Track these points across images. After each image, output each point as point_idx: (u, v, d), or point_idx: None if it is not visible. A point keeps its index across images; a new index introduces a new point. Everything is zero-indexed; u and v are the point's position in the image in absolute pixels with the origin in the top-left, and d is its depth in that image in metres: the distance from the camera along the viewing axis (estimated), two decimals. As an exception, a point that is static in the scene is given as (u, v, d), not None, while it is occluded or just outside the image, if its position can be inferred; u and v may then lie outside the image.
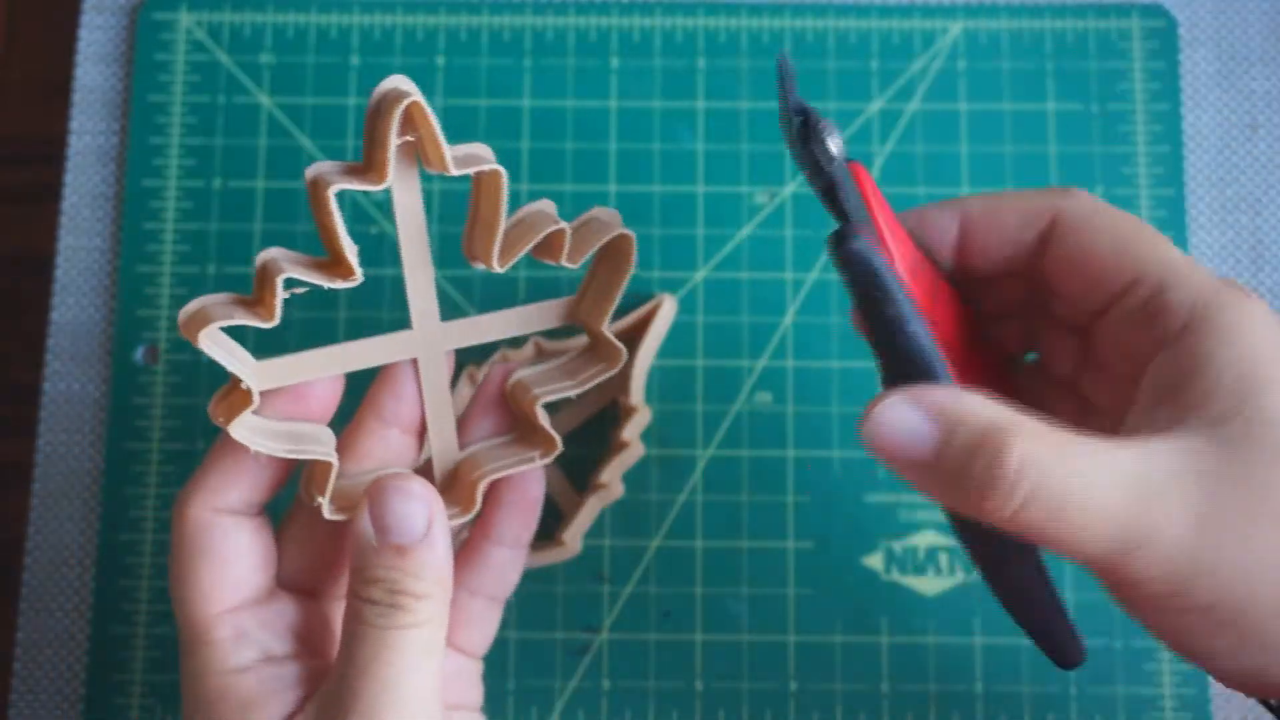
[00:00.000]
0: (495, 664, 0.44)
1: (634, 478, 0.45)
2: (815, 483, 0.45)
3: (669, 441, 0.45)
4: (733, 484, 0.45)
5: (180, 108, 0.48)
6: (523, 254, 0.32)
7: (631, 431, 0.44)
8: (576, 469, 0.45)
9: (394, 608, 0.30)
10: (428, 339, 0.33)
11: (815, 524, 0.45)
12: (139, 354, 0.46)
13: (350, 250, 0.31)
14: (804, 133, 0.29)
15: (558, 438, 0.34)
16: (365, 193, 0.47)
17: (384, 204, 0.47)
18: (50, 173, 0.48)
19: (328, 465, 0.32)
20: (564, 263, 0.33)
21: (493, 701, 0.44)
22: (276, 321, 0.30)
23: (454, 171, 0.31)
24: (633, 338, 0.45)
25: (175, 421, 0.45)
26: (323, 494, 0.32)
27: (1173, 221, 0.47)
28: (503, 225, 0.32)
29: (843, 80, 0.48)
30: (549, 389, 0.34)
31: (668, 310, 0.45)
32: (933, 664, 0.44)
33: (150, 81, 0.48)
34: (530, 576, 0.44)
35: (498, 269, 0.32)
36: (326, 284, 0.31)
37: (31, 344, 0.47)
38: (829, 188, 0.30)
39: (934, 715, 0.43)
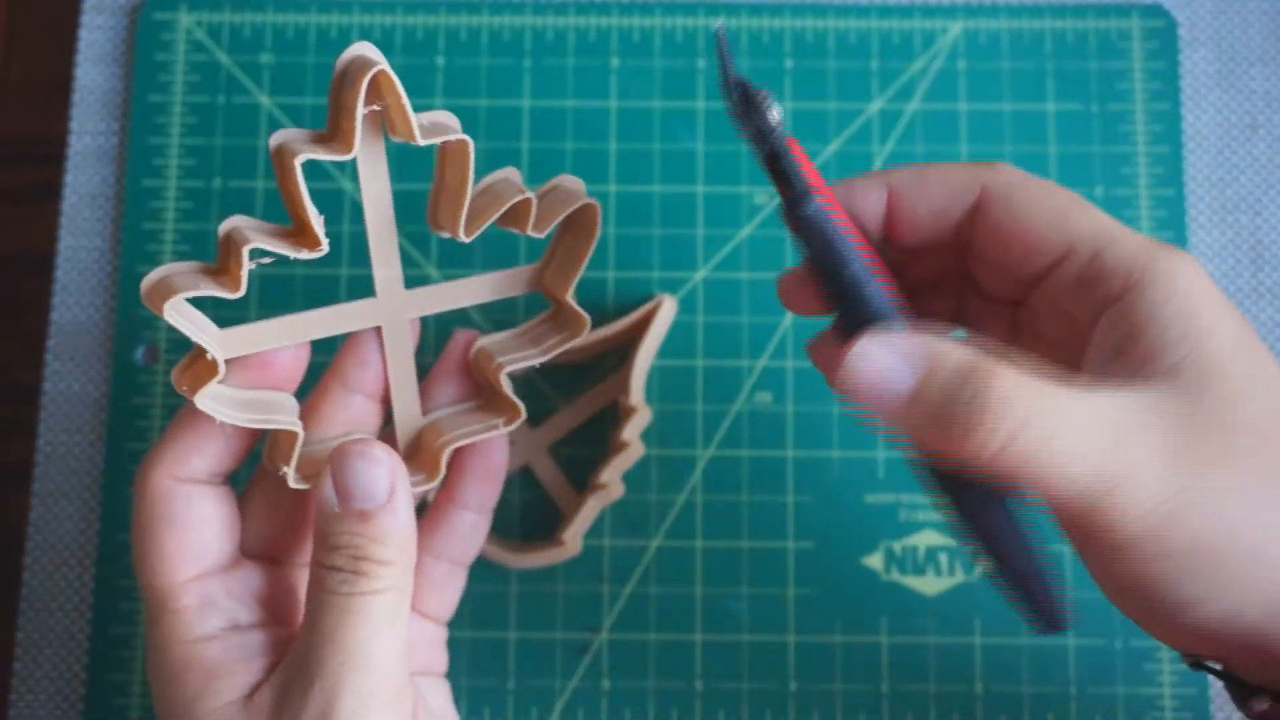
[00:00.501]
0: (495, 664, 0.44)
1: (634, 478, 0.45)
2: (815, 483, 0.45)
3: (669, 441, 0.45)
4: (733, 484, 0.45)
5: (180, 108, 0.48)
6: (489, 223, 0.32)
7: (631, 431, 0.44)
8: (576, 469, 0.45)
9: (357, 574, 0.30)
10: (392, 306, 0.34)
11: (815, 524, 0.45)
12: (139, 354, 0.46)
13: (316, 219, 0.31)
14: (744, 104, 0.31)
15: (521, 405, 0.34)
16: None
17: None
18: (50, 173, 0.48)
19: (293, 435, 0.32)
20: (530, 232, 0.33)
21: (493, 701, 0.44)
22: (242, 292, 0.30)
23: (421, 141, 0.31)
24: (633, 338, 0.45)
25: (175, 421, 0.45)
26: (287, 463, 0.32)
27: (1173, 221, 0.47)
28: (469, 195, 0.32)
29: (843, 80, 0.48)
30: (513, 357, 0.34)
31: (668, 310, 0.45)
32: (933, 664, 0.44)
33: (150, 81, 0.48)
34: (530, 576, 0.44)
35: (464, 239, 0.32)
36: (292, 254, 0.31)
37: (31, 344, 0.47)
38: (772, 156, 0.31)
39: (934, 715, 0.43)
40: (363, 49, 0.30)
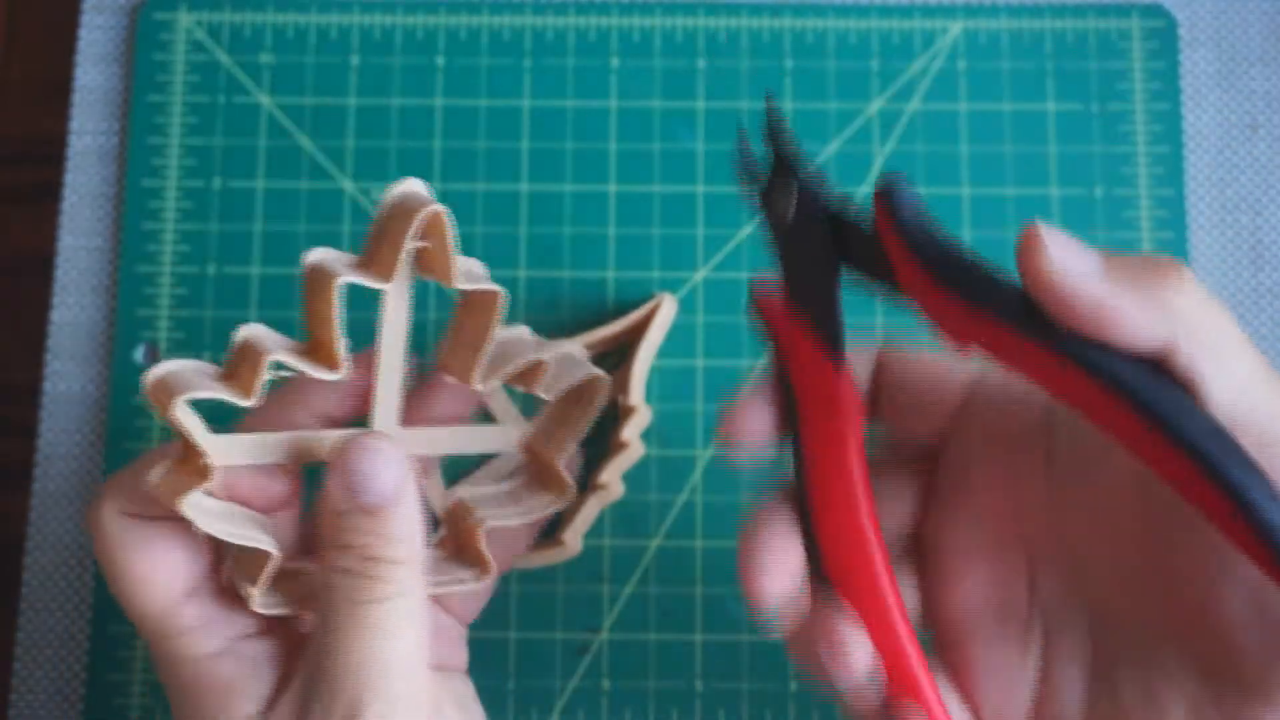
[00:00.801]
0: (495, 664, 0.44)
1: (634, 478, 0.45)
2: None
3: (669, 441, 0.45)
4: (732, 484, 0.45)
5: (180, 108, 0.48)
6: (503, 378, 0.32)
7: (631, 431, 0.44)
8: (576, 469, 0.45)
9: (370, 578, 0.29)
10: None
11: (815, 524, 0.45)
12: (139, 354, 0.46)
13: (340, 342, 0.30)
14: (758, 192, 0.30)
15: (493, 563, 0.34)
16: (365, 193, 0.47)
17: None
18: (50, 173, 0.48)
19: (266, 555, 0.31)
20: (538, 393, 0.33)
21: (493, 702, 0.44)
22: (254, 400, 0.30)
23: (460, 286, 0.31)
24: (633, 338, 0.45)
25: (175, 421, 0.45)
26: (254, 584, 0.31)
27: (1173, 222, 0.47)
28: (490, 347, 0.32)
29: (843, 80, 0.48)
30: (493, 514, 0.33)
31: (668, 310, 0.45)
32: (933, 664, 0.44)
33: (150, 81, 0.48)
34: (530, 576, 0.44)
35: (479, 389, 0.32)
36: (311, 371, 0.30)
37: (31, 344, 0.47)
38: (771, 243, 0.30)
39: (934, 715, 0.43)
40: (416, 185, 0.30)
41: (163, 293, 0.46)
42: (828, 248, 0.29)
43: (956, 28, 0.48)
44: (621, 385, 0.44)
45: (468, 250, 0.47)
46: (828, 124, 0.47)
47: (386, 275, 0.30)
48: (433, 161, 0.47)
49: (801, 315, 0.29)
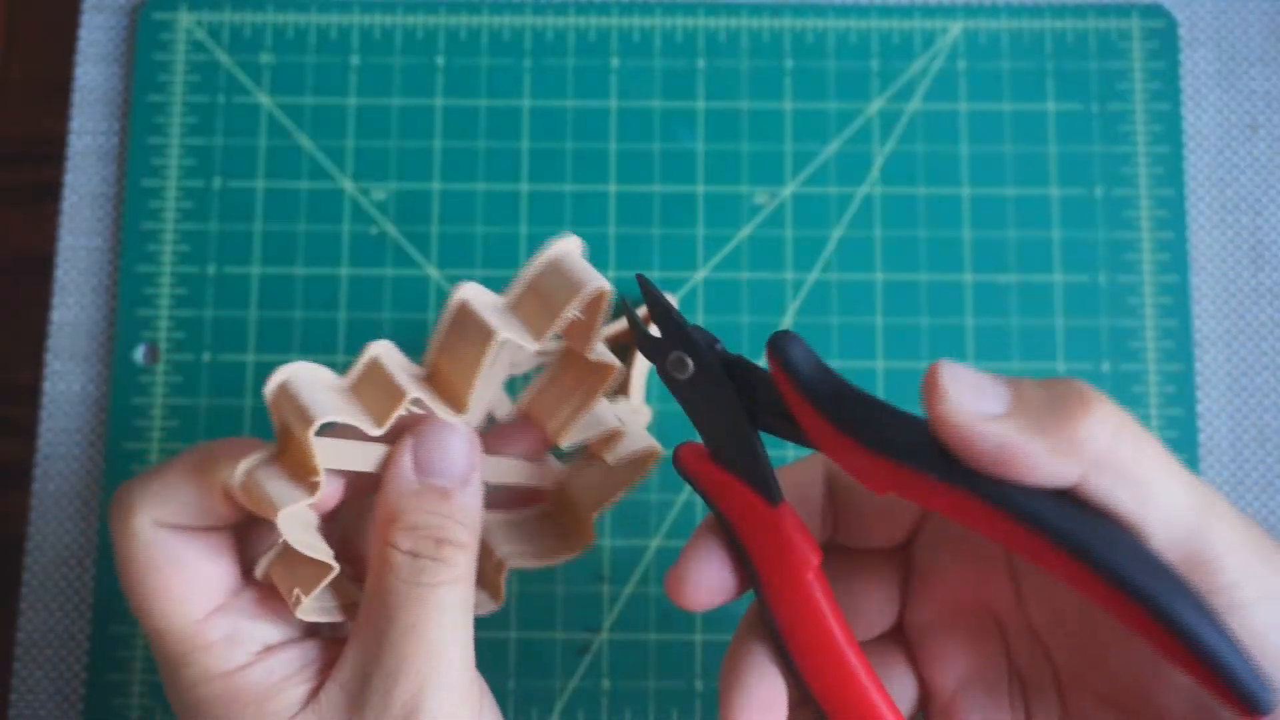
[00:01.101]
0: (495, 664, 0.44)
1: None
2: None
3: (669, 441, 0.45)
4: (733, 484, 0.45)
5: (180, 108, 0.48)
6: (581, 440, 0.33)
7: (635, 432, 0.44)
8: (576, 469, 0.45)
9: (437, 561, 0.29)
10: None
11: (815, 524, 0.45)
12: (139, 354, 0.46)
13: (475, 391, 0.30)
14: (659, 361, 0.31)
15: (503, 593, 0.35)
16: (365, 193, 0.47)
17: (384, 204, 0.47)
18: (50, 173, 0.48)
19: (327, 569, 0.30)
20: (605, 458, 0.34)
21: (493, 701, 0.44)
22: (382, 432, 0.29)
23: (591, 356, 0.32)
24: (633, 338, 0.45)
25: (175, 421, 0.45)
26: (306, 593, 0.30)
27: (1173, 221, 0.47)
28: (588, 410, 0.33)
29: (843, 80, 0.48)
30: (513, 555, 0.34)
31: (668, 310, 0.45)
32: (933, 664, 0.44)
33: (150, 81, 0.48)
34: (530, 576, 0.44)
35: (560, 444, 0.33)
36: (440, 413, 0.30)
37: (31, 344, 0.47)
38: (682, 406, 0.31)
39: (934, 715, 0.43)
40: (576, 246, 0.30)
41: (163, 293, 0.46)
42: (734, 400, 0.29)
43: (956, 28, 0.48)
44: (622, 385, 0.44)
45: (468, 250, 0.47)
46: (828, 124, 0.47)
47: (538, 335, 0.29)
48: (433, 161, 0.47)
49: (728, 467, 0.30)
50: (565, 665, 0.44)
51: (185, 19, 0.48)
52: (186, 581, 0.30)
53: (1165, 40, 0.48)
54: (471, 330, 0.29)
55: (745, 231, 0.47)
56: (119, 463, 0.45)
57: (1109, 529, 0.25)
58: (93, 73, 0.48)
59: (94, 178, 0.48)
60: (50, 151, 0.48)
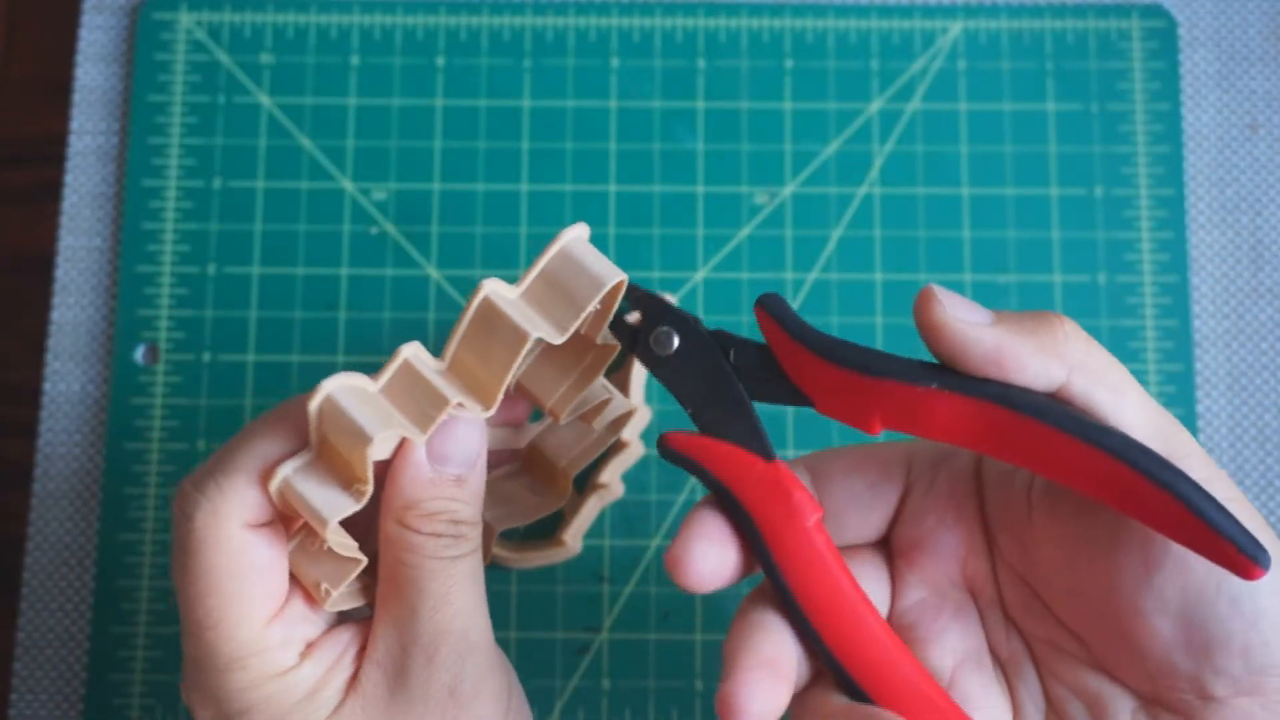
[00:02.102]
0: (495, 664, 0.44)
1: (634, 478, 0.45)
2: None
3: (669, 441, 0.45)
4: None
5: (180, 108, 0.48)
6: (577, 414, 0.34)
7: (631, 431, 0.44)
8: (576, 469, 0.45)
9: (457, 538, 0.30)
10: None
11: (815, 524, 0.45)
12: (139, 354, 0.46)
13: (504, 389, 0.30)
14: (634, 342, 0.31)
15: (490, 555, 0.35)
16: (365, 193, 0.47)
17: (384, 204, 0.47)
18: (50, 173, 0.48)
19: (355, 562, 0.31)
20: (593, 425, 0.34)
21: (493, 701, 0.44)
22: (425, 438, 0.30)
23: (599, 341, 0.32)
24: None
25: (175, 421, 0.45)
26: (336, 587, 0.31)
27: (1173, 221, 0.47)
28: (586, 390, 0.33)
29: (843, 80, 0.48)
30: (499, 517, 0.35)
31: (668, 310, 0.45)
32: (933, 664, 0.44)
33: (150, 81, 0.48)
34: (530, 576, 0.44)
35: (558, 418, 0.33)
36: (473, 410, 0.30)
37: (31, 344, 0.47)
38: (662, 382, 0.31)
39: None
40: (585, 231, 0.31)
41: (163, 293, 0.46)
42: (722, 362, 0.30)
43: (956, 28, 0.48)
44: (622, 385, 0.44)
45: (468, 250, 0.47)
46: (828, 124, 0.47)
47: (563, 331, 0.30)
48: (433, 161, 0.47)
49: (718, 435, 0.30)
50: (565, 665, 0.44)
51: (185, 19, 0.48)
52: (266, 586, 0.30)
53: (1165, 40, 0.48)
54: (502, 330, 0.29)
55: (745, 231, 0.47)
56: (119, 463, 0.45)
57: (1099, 421, 0.27)
58: (93, 73, 0.48)
59: (94, 178, 0.48)
60: (50, 151, 0.48)
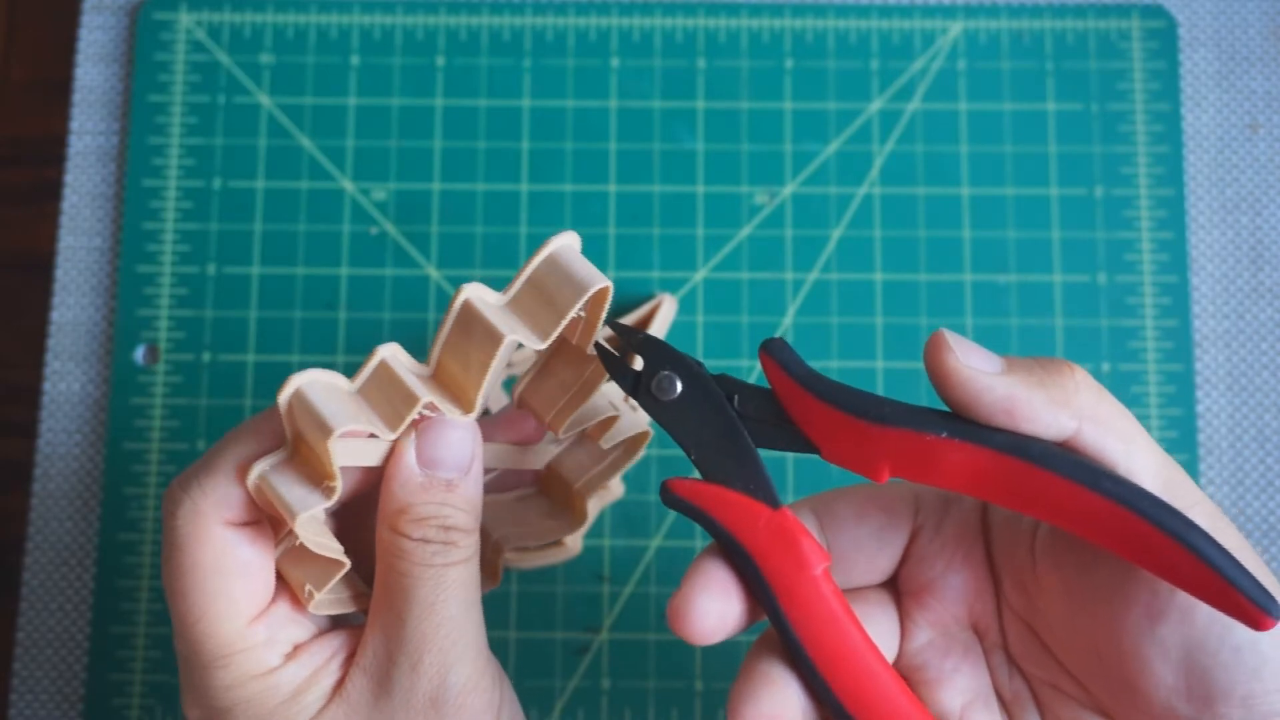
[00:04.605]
0: (495, 664, 0.44)
1: (634, 478, 0.45)
2: (815, 481, 0.45)
3: (669, 442, 0.45)
4: (733, 484, 0.45)
5: (180, 108, 0.48)
6: (579, 429, 0.33)
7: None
8: (576, 469, 0.45)
9: (447, 544, 0.30)
10: None
11: (815, 524, 0.45)
12: (139, 354, 0.46)
13: (483, 393, 0.30)
14: (635, 388, 0.31)
15: (500, 575, 0.35)
16: (365, 193, 0.47)
17: (384, 204, 0.47)
18: (50, 173, 0.48)
19: (339, 565, 0.31)
20: (600, 443, 0.34)
21: (493, 701, 0.44)
22: (396, 436, 0.30)
23: (590, 351, 0.32)
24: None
25: (175, 421, 0.45)
26: (319, 589, 0.31)
27: (1173, 221, 0.47)
28: (587, 402, 0.33)
29: (843, 80, 0.48)
30: (510, 536, 0.35)
31: (668, 310, 0.45)
32: (933, 664, 0.44)
33: (150, 81, 0.48)
34: (530, 576, 0.44)
35: (558, 433, 0.33)
36: (450, 414, 0.30)
37: (31, 344, 0.47)
38: (665, 428, 0.31)
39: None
40: (575, 240, 0.31)
41: (163, 293, 0.46)
42: (726, 408, 0.30)
43: (956, 28, 0.48)
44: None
45: (468, 250, 0.47)
46: (828, 124, 0.47)
47: (545, 336, 0.30)
48: (433, 161, 0.47)
49: (723, 483, 0.30)
50: (565, 665, 0.44)
51: (185, 19, 0.48)
52: (248, 584, 0.31)
53: (1165, 40, 0.48)
54: (479, 333, 0.29)
55: (745, 231, 0.47)
56: (119, 463, 0.45)
57: (1110, 470, 0.27)
58: (93, 73, 0.48)
59: (94, 178, 0.48)
60: (50, 151, 0.48)
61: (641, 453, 0.36)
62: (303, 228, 0.47)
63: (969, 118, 0.47)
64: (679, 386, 0.30)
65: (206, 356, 0.46)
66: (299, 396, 0.29)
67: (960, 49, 0.48)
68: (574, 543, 0.43)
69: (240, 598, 0.30)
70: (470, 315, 0.29)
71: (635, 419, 0.35)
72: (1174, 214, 0.47)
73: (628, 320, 0.44)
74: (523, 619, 0.44)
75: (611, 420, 0.34)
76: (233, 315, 0.46)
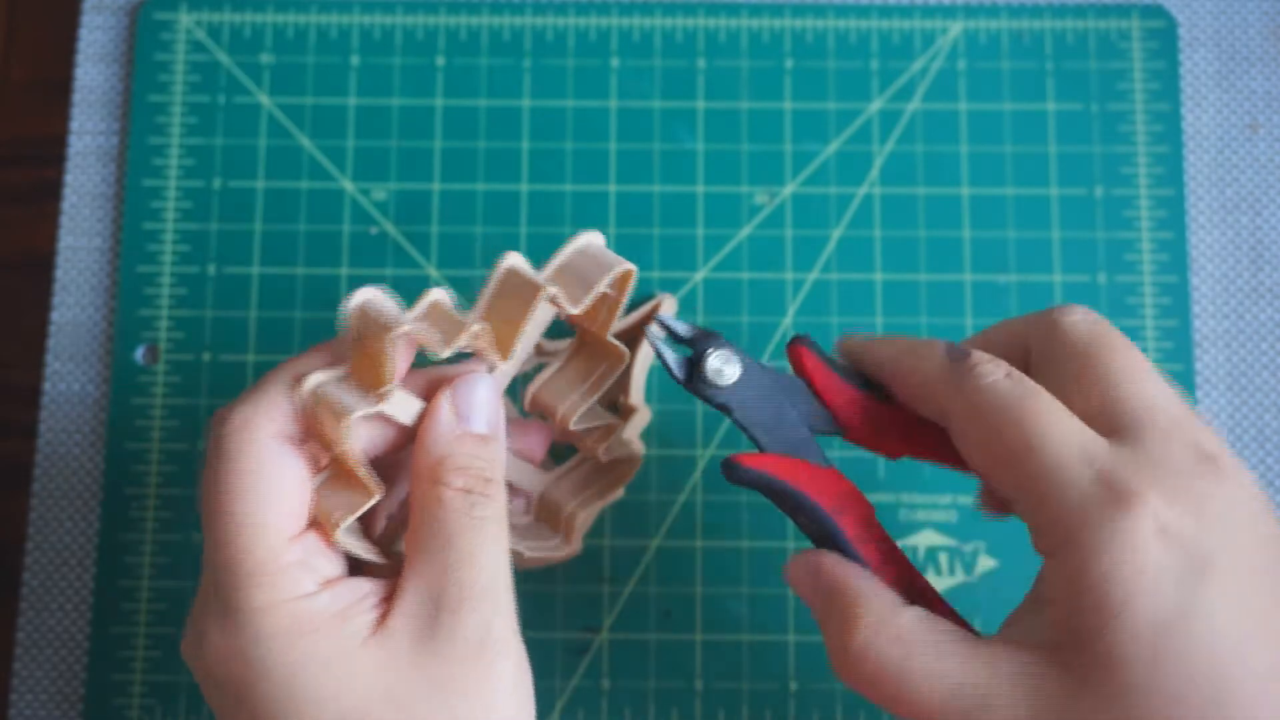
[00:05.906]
0: (495, 664, 0.44)
1: (634, 477, 0.45)
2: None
3: (669, 441, 0.45)
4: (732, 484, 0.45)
5: (180, 108, 0.48)
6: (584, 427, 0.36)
7: (631, 432, 0.44)
8: (576, 469, 0.45)
9: (485, 496, 0.32)
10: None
11: (815, 524, 0.45)
12: (139, 354, 0.46)
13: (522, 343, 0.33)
14: (690, 377, 0.34)
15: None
16: (365, 193, 0.47)
17: (384, 204, 0.47)
18: (50, 173, 0.48)
19: (368, 494, 0.32)
20: (599, 454, 0.38)
21: (493, 701, 0.44)
22: (447, 352, 0.32)
23: (608, 338, 0.35)
24: (633, 337, 0.45)
25: (175, 421, 0.45)
26: (346, 517, 0.31)
27: (1173, 221, 0.47)
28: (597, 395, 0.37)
29: (843, 80, 0.48)
30: (531, 544, 0.38)
31: (668, 310, 0.45)
32: (933, 664, 0.44)
33: (150, 81, 0.48)
34: (530, 576, 0.44)
35: (569, 426, 0.36)
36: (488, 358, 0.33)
37: (31, 344, 0.47)
38: (725, 411, 0.34)
39: (934, 715, 0.43)
40: (599, 237, 0.34)
41: (163, 293, 0.46)
42: (777, 395, 0.34)
43: (956, 28, 0.48)
44: (622, 385, 0.44)
45: (468, 250, 0.47)
46: (828, 124, 0.47)
47: (577, 303, 0.32)
48: (433, 161, 0.47)
49: (783, 453, 0.33)
50: (565, 665, 0.44)
51: (185, 19, 0.48)
52: (290, 501, 0.31)
53: (1165, 40, 0.48)
54: (521, 287, 0.32)
55: (745, 231, 0.47)
56: (119, 463, 0.45)
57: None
58: (93, 73, 0.48)
59: (94, 178, 0.48)
60: (50, 151, 0.48)
61: (630, 478, 0.39)
62: (303, 228, 0.47)
63: (969, 118, 0.47)
64: (738, 366, 0.33)
65: (206, 356, 0.46)
66: (370, 302, 0.31)
67: (960, 49, 0.48)
68: (574, 543, 0.43)
69: (282, 510, 0.31)
70: (512, 276, 0.32)
71: (632, 438, 0.37)
72: (1174, 214, 0.47)
73: (627, 320, 0.44)
74: (522, 619, 0.44)
75: (612, 428, 0.35)
76: (233, 315, 0.46)
